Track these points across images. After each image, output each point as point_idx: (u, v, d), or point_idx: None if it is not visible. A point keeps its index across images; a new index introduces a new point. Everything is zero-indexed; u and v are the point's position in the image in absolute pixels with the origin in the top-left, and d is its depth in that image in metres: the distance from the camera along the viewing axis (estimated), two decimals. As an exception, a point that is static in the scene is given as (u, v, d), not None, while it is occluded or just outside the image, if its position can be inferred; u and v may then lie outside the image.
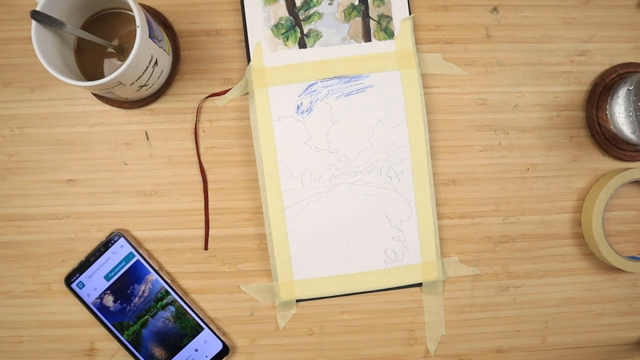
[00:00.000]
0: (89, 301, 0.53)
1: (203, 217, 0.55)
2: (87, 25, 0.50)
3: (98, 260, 0.53)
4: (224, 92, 0.55)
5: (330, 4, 0.55)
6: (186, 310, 0.54)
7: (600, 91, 0.56)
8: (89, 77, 0.50)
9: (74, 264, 0.54)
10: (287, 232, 0.54)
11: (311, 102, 0.55)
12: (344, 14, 0.55)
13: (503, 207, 0.56)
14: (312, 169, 0.55)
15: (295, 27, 0.55)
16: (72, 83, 0.44)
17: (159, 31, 0.49)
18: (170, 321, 0.54)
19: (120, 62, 0.50)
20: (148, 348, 0.54)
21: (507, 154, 0.56)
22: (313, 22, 0.55)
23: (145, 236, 0.55)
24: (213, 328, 0.54)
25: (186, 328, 0.54)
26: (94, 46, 0.50)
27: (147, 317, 0.54)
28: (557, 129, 0.57)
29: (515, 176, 0.56)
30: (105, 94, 0.48)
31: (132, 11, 0.44)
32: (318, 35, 0.55)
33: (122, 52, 0.50)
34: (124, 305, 0.54)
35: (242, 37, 0.55)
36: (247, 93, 0.55)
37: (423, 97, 0.55)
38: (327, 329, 0.56)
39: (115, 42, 0.50)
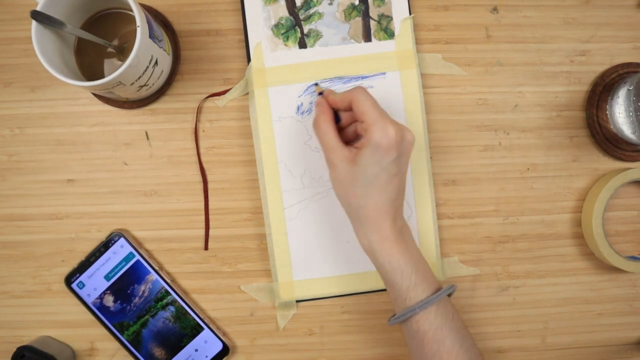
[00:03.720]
0: (89, 301, 0.53)
1: (203, 217, 0.55)
2: (87, 25, 0.50)
3: (98, 260, 0.53)
4: (224, 92, 0.55)
5: (331, 3, 0.55)
6: (186, 310, 0.54)
7: (600, 91, 0.56)
8: (89, 77, 0.50)
9: (74, 264, 0.54)
10: (287, 232, 0.54)
11: (311, 103, 0.55)
12: (344, 14, 0.55)
13: (503, 207, 0.56)
14: (312, 169, 0.55)
15: (296, 27, 0.55)
16: (72, 83, 0.44)
17: (159, 31, 0.49)
18: (170, 321, 0.54)
19: (120, 62, 0.50)
20: (148, 348, 0.54)
21: (507, 154, 0.56)
22: (313, 22, 0.55)
23: (145, 236, 0.55)
24: (213, 328, 0.54)
25: (186, 328, 0.54)
26: (94, 46, 0.50)
27: (147, 317, 0.54)
28: (557, 129, 0.57)
29: (515, 176, 0.56)
30: (106, 94, 0.48)
31: (132, 11, 0.44)
32: (318, 35, 0.55)
33: (122, 52, 0.50)
34: (124, 305, 0.54)
35: (242, 37, 0.55)
36: (247, 93, 0.55)
37: (423, 97, 0.55)
38: (327, 329, 0.56)
39: (115, 42, 0.50)
